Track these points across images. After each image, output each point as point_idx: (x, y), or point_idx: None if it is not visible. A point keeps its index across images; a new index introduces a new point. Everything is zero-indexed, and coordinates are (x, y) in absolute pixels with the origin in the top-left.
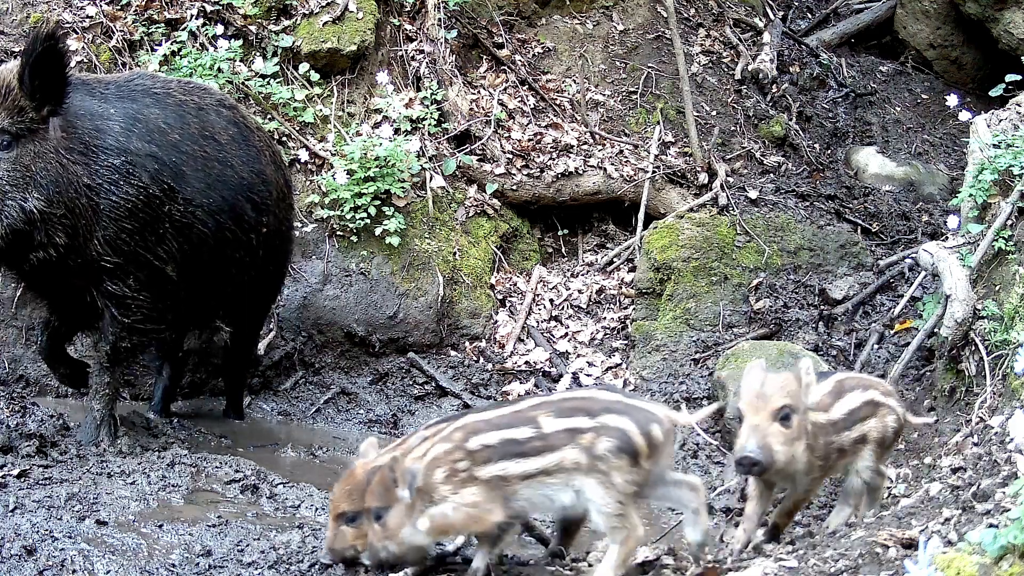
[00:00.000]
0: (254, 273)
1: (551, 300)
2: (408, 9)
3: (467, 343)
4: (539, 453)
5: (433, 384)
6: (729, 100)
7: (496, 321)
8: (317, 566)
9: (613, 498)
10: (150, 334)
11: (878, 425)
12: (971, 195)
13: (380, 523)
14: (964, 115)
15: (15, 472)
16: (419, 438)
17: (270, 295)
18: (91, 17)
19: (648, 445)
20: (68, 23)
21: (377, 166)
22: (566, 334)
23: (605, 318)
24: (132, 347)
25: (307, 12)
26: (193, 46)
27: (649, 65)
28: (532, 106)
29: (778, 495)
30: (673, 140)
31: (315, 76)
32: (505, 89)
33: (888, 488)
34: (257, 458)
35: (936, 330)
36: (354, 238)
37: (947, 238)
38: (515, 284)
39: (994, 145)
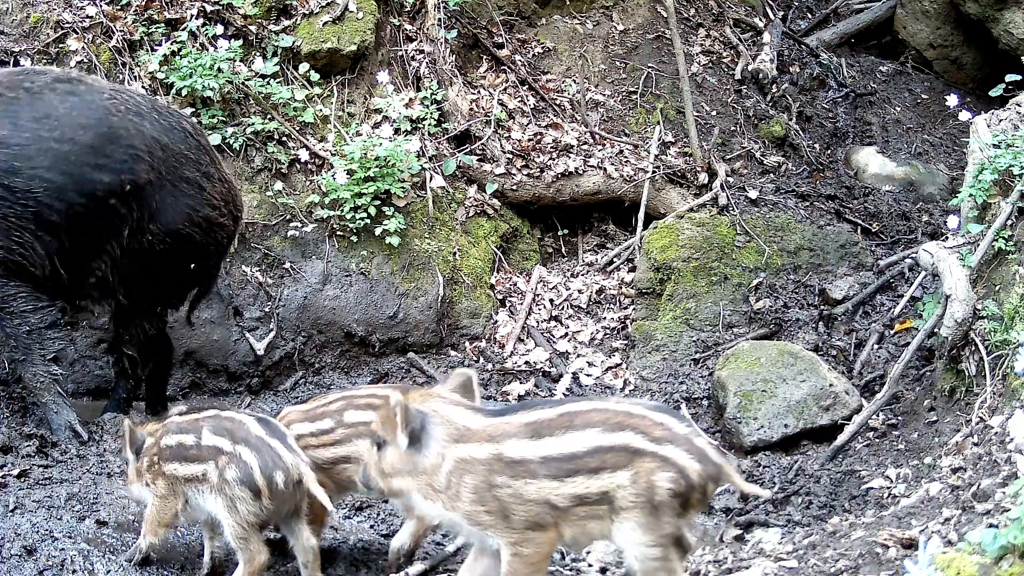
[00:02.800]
0: (140, 228)
1: (551, 300)
2: (408, 9)
3: (467, 343)
4: (195, 461)
5: (433, 384)
6: (729, 100)
7: (496, 321)
8: None
9: (236, 522)
10: (44, 315)
11: (638, 484)
12: (971, 195)
13: None
14: (964, 115)
15: (15, 472)
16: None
17: (182, 256)
18: (91, 17)
19: (268, 487)
20: (68, 23)
21: (377, 166)
22: (566, 334)
23: (605, 318)
24: (33, 331)
25: (307, 12)
26: (193, 46)
27: (649, 65)
28: (532, 106)
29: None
30: (673, 140)
31: (315, 76)
32: (505, 89)
33: (888, 488)
34: None
35: (936, 330)
36: (354, 238)
37: (947, 238)
38: (515, 284)
39: (994, 145)
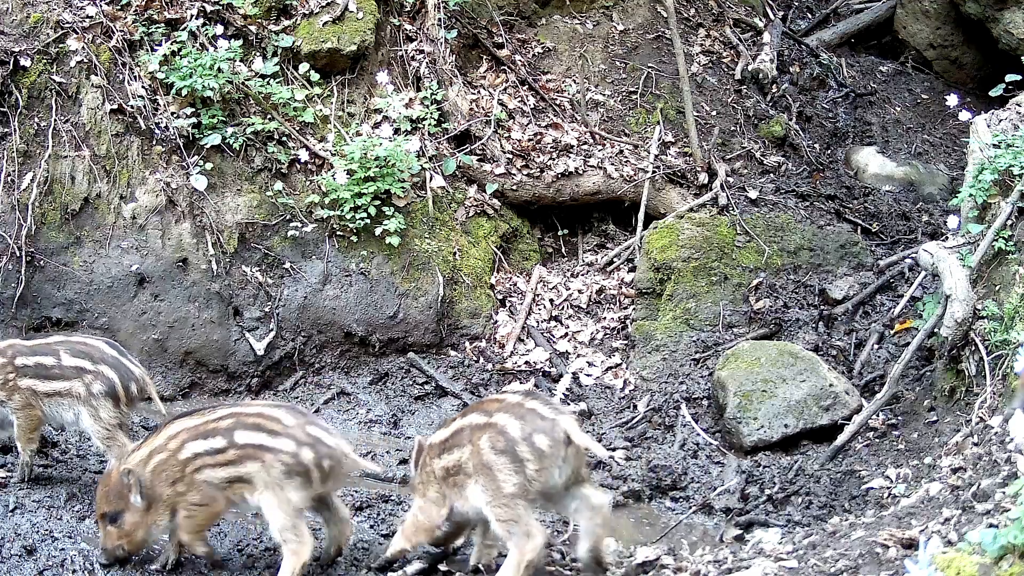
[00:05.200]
0: None
1: (551, 300)
2: (408, 9)
3: (467, 343)
4: (55, 379)
5: (433, 384)
6: (729, 100)
7: (496, 321)
8: (313, 565)
9: (101, 426)
10: None
11: (267, 472)
12: (971, 195)
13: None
14: (964, 115)
15: (15, 472)
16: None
17: None
18: (91, 17)
19: (125, 394)
20: (68, 23)
21: (377, 166)
22: (566, 334)
23: (605, 318)
24: None
25: (307, 12)
26: (193, 46)
27: (649, 65)
28: (532, 106)
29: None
30: (673, 140)
31: (315, 76)
32: (505, 89)
33: (888, 488)
34: None
35: (936, 330)
36: (354, 238)
37: (947, 238)
38: (515, 284)
39: (994, 145)
